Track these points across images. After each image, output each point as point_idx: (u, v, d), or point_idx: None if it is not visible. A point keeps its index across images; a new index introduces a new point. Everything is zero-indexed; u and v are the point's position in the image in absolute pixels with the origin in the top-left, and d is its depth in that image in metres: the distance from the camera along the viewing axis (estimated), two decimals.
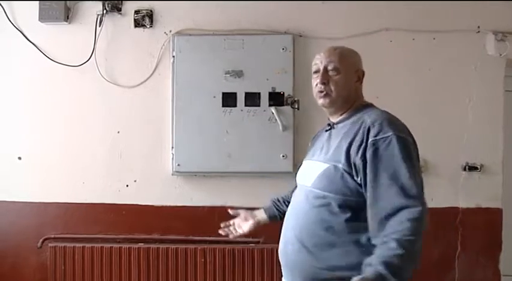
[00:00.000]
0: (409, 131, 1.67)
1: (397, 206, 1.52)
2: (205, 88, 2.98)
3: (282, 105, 2.96)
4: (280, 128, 2.94)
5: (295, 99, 2.95)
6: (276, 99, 2.96)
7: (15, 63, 3.11)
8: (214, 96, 2.97)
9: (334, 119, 1.84)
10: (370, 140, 1.61)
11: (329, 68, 1.77)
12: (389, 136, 1.60)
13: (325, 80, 1.76)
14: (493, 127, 3.00)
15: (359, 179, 1.62)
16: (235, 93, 2.97)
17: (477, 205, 3.00)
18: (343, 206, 1.65)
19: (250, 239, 2.99)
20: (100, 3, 3.04)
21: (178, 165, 2.98)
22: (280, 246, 1.85)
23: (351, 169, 1.63)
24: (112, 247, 3.00)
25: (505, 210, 3.00)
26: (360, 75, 1.82)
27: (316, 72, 1.81)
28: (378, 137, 1.61)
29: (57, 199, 3.07)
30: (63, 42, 3.09)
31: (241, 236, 2.17)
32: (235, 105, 2.97)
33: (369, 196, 1.59)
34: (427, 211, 1.53)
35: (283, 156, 2.95)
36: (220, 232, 2.20)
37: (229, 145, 2.97)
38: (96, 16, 3.04)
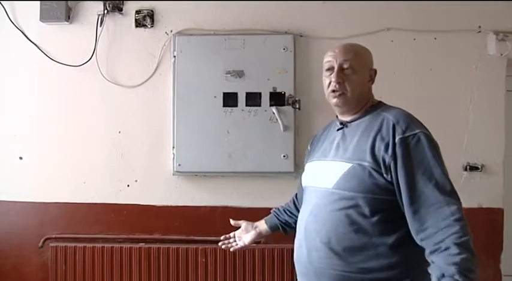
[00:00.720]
0: (427, 128, 1.67)
1: (436, 204, 1.51)
2: (206, 88, 2.98)
3: (283, 105, 2.96)
4: (281, 128, 2.94)
5: (296, 99, 2.95)
6: (277, 99, 2.96)
7: (16, 63, 3.11)
8: (215, 96, 2.97)
9: (345, 118, 1.80)
10: (398, 137, 1.59)
11: (344, 66, 1.72)
12: (417, 133, 1.59)
13: (341, 79, 1.72)
14: (494, 127, 3.00)
15: (389, 176, 1.59)
16: (236, 93, 2.97)
17: (478, 205, 2.99)
18: (372, 206, 1.60)
19: None
20: (101, 3, 3.04)
21: (179, 165, 2.98)
22: (301, 254, 1.77)
23: (379, 166, 1.60)
24: (113, 247, 3.00)
25: (506, 210, 3.00)
26: (372, 75, 1.80)
27: (329, 70, 1.76)
28: (406, 134, 1.59)
29: (58, 199, 3.08)
30: (64, 42, 3.09)
31: (242, 248, 2.16)
32: (236, 105, 2.97)
33: (405, 194, 1.56)
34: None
35: (284, 156, 2.95)
36: (220, 244, 2.20)
37: (230, 144, 2.97)
38: (97, 16, 3.04)
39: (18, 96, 3.12)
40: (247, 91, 2.97)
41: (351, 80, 1.72)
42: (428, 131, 1.64)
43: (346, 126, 1.78)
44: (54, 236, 3.06)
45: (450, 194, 1.53)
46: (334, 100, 1.75)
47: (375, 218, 1.60)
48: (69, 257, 3.00)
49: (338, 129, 1.80)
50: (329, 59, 1.76)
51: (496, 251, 2.99)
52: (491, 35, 2.97)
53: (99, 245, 3.01)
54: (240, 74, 2.97)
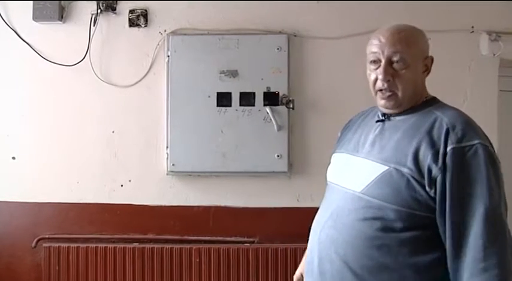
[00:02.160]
0: (488, 138, 1.43)
1: (477, 239, 1.28)
2: (200, 88, 2.97)
3: (277, 105, 2.96)
4: (275, 127, 2.93)
5: (290, 99, 2.95)
6: (271, 99, 2.96)
7: (8, 63, 3.09)
8: (209, 96, 2.97)
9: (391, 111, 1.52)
10: (451, 146, 1.33)
11: (394, 59, 1.43)
12: (475, 145, 1.33)
13: (390, 76, 1.43)
14: (488, 127, 2.91)
15: (432, 191, 1.33)
16: (230, 93, 2.97)
17: None
18: (404, 221, 1.35)
19: (245, 239, 3.00)
20: (94, 3, 3.02)
21: (173, 165, 2.98)
22: (312, 262, 1.53)
23: (422, 176, 1.33)
24: (107, 247, 2.99)
25: None
26: (428, 64, 1.52)
27: (374, 62, 1.48)
28: (462, 144, 1.33)
29: (51, 199, 3.06)
30: (57, 41, 3.07)
31: None
32: (230, 105, 2.96)
33: (447, 217, 1.32)
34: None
35: (277, 156, 2.95)
36: None
37: (224, 144, 2.97)
38: (90, 15, 3.03)
39: (11, 95, 3.10)
40: (241, 91, 2.96)
41: (403, 76, 1.44)
42: (489, 141, 1.40)
43: (389, 119, 1.51)
44: (47, 236, 3.04)
45: (498, 226, 1.29)
46: (383, 102, 1.48)
47: (404, 236, 1.36)
48: (63, 258, 2.99)
49: (377, 121, 1.54)
50: (374, 49, 1.48)
51: None
52: (484, 35, 2.98)
53: (93, 245, 3.00)
54: (234, 73, 2.96)
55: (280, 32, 3.02)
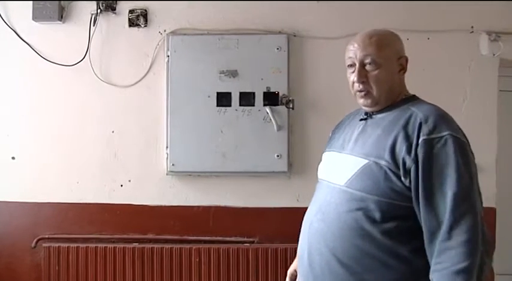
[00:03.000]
0: (463, 131, 1.48)
1: (445, 222, 1.36)
2: (200, 88, 2.97)
3: (277, 105, 2.96)
4: (275, 127, 2.94)
5: (290, 99, 2.95)
6: (271, 99, 2.96)
7: (8, 63, 3.10)
8: (209, 96, 2.97)
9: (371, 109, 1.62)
10: (422, 138, 1.41)
11: (366, 62, 1.55)
12: (444, 136, 1.41)
13: (363, 78, 1.55)
14: (487, 127, 3.01)
15: (407, 181, 1.42)
16: (229, 93, 2.97)
17: None
18: (385, 211, 1.44)
19: (245, 239, 3.00)
20: (94, 3, 3.02)
21: (173, 165, 2.98)
22: (303, 255, 1.62)
23: (398, 168, 1.43)
24: (106, 247, 2.99)
25: (498, 209, 3.01)
26: (403, 63, 1.61)
27: (350, 66, 1.59)
28: (432, 136, 1.41)
29: (51, 199, 3.06)
30: (57, 41, 3.07)
31: None
32: (229, 105, 2.97)
33: (421, 206, 1.41)
34: (482, 223, 1.40)
35: (277, 156, 2.95)
36: None
37: (223, 144, 2.97)
38: (90, 15, 3.03)
39: (11, 95, 3.10)
40: (241, 91, 2.97)
41: (375, 77, 1.54)
42: (461, 134, 1.45)
43: (371, 117, 1.62)
44: (47, 236, 3.04)
45: (466, 209, 1.36)
46: (361, 101, 1.60)
47: (386, 225, 1.44)
48: (63, 258, 2.99)
49: (361, 120, 1.64)
50: (350, 54, 1.59)
51: None
52: (483, 35, 2.98)
53: (93, 245, 3.00)
54: (233, 73, 2.96)
55: (280, 32, 3.03)
